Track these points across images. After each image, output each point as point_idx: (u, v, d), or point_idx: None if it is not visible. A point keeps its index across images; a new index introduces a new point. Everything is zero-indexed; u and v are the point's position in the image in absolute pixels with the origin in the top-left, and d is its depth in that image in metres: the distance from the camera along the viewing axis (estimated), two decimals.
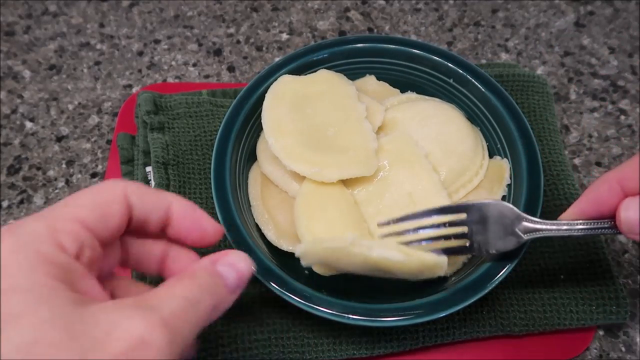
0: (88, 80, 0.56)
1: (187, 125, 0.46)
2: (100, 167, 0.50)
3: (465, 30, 0.60)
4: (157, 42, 0.59)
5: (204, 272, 0.26)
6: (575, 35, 0.59)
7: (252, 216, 0.41)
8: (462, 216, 0.34)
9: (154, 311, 0.22)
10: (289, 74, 0.44)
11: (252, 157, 0.44)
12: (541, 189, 0.38)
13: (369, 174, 0.39)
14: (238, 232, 0.37)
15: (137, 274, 0.39)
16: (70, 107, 0.54)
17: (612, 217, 0.30)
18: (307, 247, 0.34)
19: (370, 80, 0.47)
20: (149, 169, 0.45)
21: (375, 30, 0.60)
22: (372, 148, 0.40)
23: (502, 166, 0.42)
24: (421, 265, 0.33)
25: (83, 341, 0.20)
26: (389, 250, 0.32)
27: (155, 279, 0.38)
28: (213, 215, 0.32)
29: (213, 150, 0.40)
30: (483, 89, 0.44)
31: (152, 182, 0.43)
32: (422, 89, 0.47)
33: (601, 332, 0.41)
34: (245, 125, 0.43)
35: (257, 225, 0.41)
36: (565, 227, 0.32)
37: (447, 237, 0.35)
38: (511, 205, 0.34)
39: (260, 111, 0.42)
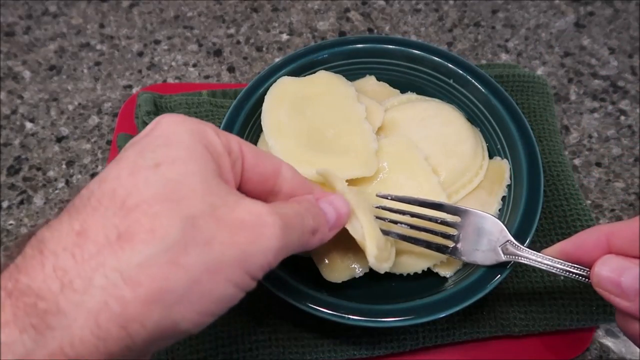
0: (88, 81, 0.56)
1: None
2: (100, 167, 0.50)
3: (465, 31, 0.60)
4: (157, 42, 0.59)
5: (307, 202, 0.29)
6: (575, 35, 0.59)
7: None
8: (457, 219, 0.35)
9: (273, 207, 0.25)
10: (289, 74, 0.44)
11: None
12: (540, 200, 0.38)
13: (369, 175, 0.39)
14: None
15: None
16: (70, 107, 0.54)
17: (589, 266, 0.30)
18: None
19: (370, 81, 0.47)
20: None
21: (376, 31, 0.60)
22: (373, 149, 0.40)
23: (502, 167, 0.42)
24: (361, 240, 0.33)
25: (215, 199, 0.23)
26: (363, 217, 0.33)
27: None
28: None
29: None
30: (483, 90, 0.44)
31: None
32: (422, 90, 0.47)
33: (601, 332, 0.41)
34: (246, 126, 0.43)
35: None
36: (546, 262, 0.32)
37: (434, 232, 0.35)
38: (503, 226, 0.35)
39: (260, 112, 0.42)
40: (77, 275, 0.20)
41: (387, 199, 0.36)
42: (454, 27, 0.60)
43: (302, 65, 0.45)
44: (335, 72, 0.45)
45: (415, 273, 0.38)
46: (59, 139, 0.51)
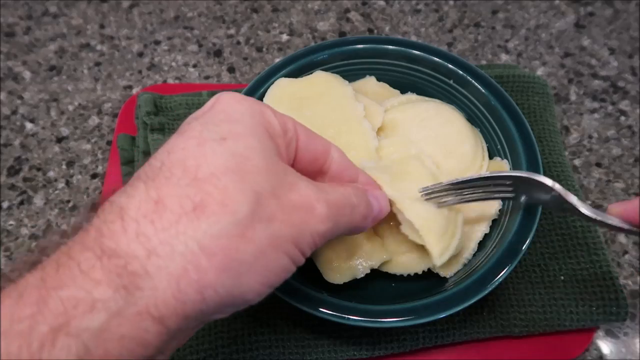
0: (88, 81, 0.56)
1: None
2: (100, 168, 0.50)
3: (465, 31, 0.60)
4: (157, 43, 0.59)
5: (359, 189, 0.30)
6: (575, 36, 0.59)
7: None
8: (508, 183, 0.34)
9: (323, 191, 0.27)
10: (289, 75, 0.44)
11: None
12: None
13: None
14: None
15: None
16: (71, 108, 0.54)
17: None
18: None
19: (370, 81, 0.47)
20: None
21: (376, 31, 0.60)
22: (373, 146, 0.40)
23: (502, 167, 0.42)
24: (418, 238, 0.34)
25: (275, 178, 0.24)
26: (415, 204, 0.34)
27: None
28: None
29: None
30: (483, 90, 0.44)
31: None
32: (422, 90, 0.47)
33: (601, 333, 0.41)
34: None
35: None
36: (599, 218, 0.31)
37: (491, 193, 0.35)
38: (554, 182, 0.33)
39: None
40: (159, 242, 0.21)
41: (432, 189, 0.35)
42: (454, 28, 0.60)
43: (302, 65, 0.45)
44: (336, 73, 0.45)
45: (416, 273, 0.38)
46: (59, 140, 0.51)
